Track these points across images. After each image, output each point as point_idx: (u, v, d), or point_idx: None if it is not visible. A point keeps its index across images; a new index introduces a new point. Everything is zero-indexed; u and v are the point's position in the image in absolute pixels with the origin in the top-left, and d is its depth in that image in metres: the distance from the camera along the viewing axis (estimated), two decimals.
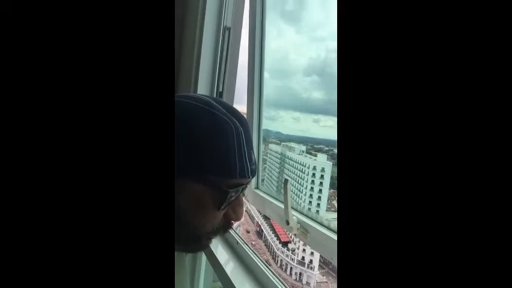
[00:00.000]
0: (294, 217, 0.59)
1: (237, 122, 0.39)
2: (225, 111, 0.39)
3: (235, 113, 0.41)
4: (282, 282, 0.57)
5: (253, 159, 0.41)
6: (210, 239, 0.43)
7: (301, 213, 0.63)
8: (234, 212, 0.42)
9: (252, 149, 0.41)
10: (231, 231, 0.71)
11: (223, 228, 0.43)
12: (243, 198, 0.44)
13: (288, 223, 0.58)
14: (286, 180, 0.57)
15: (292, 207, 0.60)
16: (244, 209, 0.44)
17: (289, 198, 0.57)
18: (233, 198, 0.40)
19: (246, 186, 0.41)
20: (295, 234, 0.59)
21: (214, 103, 0.40)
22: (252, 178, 0.41)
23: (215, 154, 0.37)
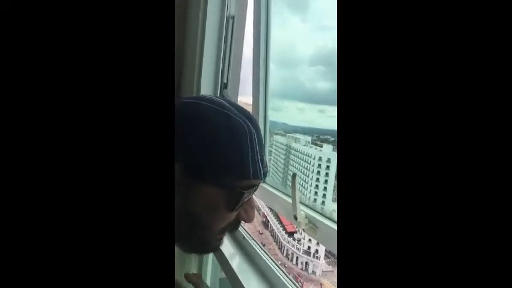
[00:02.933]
0: (302, 212, 0.57)
1: (250, 124, 0.39)
2: (237, 112, 0.39)
3: (247, 114, 0.41)
4: (289, 278, 0.56)
5: (265, 161, 0.41)
6: (220, 240, 0.43)
7: (307, 206, 0.61)
8: (245, 213, 0.42)
9: (264, 151, 0.41)
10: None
11: (233, 227, 0.43)
12: (254, 200, 0.44)
13: (296, 218, 0.57)
14: (294, 175, 0.55)
15: (300, 202, 0.58)
16: (255, 210, 0.44)
17: (297, 193, 0.56)
18: (246, 199, 0.40)
19: (257, 188, 0.41)
20: (303, 229, 0.58)
21: (227, 104, 0.40)
22: (263, 180, 0.41)
23: (229, 155, 0.37)
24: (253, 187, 0.40)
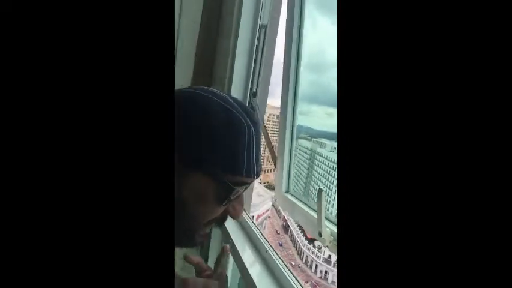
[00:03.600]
0: (327, 229, 0.56)
1: (250, 122, 0.40)
2: (240, 109, 0.40)
3: (249, 113, 0.41)
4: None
5: (260, 161, 0.42)
6: (205, 235, 0.43)
7: (329, 220, 0.59)
8: (233, 209, 0.43)
9: (260, 151, 0.41)
10: (261, 239, 0.70)
11: (219, 222, 0.43)
12: (244, 197, 0.44)
13: (320, 235, 0.55)
14: (320, 190, 0.54)
15: (326, 218, 0.57)
16: (243, 207, 0.44)
17: (323, 209, 0.55)
18: (235, 196, 0.40)
19: (249, 186, 0.42)
20: (327, 246, 0.56)
21: (231, 100, 0.40)
22: (256, 179, 0.42)
23: (226, 150, 0.37)
24: (245, 184, 0.40)
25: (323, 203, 0.55)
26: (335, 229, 0.57)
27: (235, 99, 0.41)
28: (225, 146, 0.37)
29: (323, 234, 0.55)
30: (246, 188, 0.41)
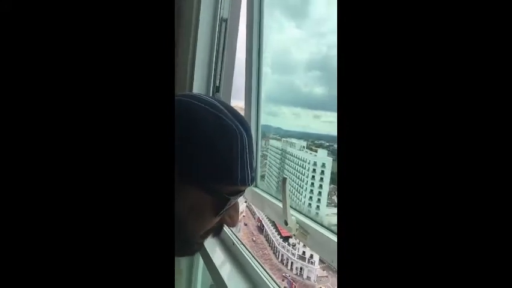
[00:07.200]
0: (292, 217, 0.56)
1: (241, 128, 0.38)
2: (230, 115, 0.38)
3: (239, 118, 0.39)
4: (277, 284, 0.55)
5: (254, 167, 0.40)
6: (201, 244, 0.42)
7: (300, 212, 0.60)
8: (230, 217, 0.41)
9: (253, 157, 0.40)
10: (227, 232, 0.69)
11: (216, 232, 0.42)
12: (239, 204, 0.43)
13: (286, 223, 0.56)
14: (284, 179, 0.55)
15: (291, 207, 0.57)
16: (239, 215, 0.43)
17: (287, 198, 0.55)
18: (231, 204, 0.39)
19: (243, 193, 0.40)
20: (294, 235, 0.57)
21: (220, 106, 0.38)
22: (251, 186, 0.41)
23: (218, 160, 0.36)
24: (240, 193, 0.39)
25: (287, 191, 0.55)
26: (302, 218, 0.58)
27: (225, 105, 0.39)
28: (217, 157, 0.36)
29: (288, 222, 0.55)
30: (241, 195, 0.40)
